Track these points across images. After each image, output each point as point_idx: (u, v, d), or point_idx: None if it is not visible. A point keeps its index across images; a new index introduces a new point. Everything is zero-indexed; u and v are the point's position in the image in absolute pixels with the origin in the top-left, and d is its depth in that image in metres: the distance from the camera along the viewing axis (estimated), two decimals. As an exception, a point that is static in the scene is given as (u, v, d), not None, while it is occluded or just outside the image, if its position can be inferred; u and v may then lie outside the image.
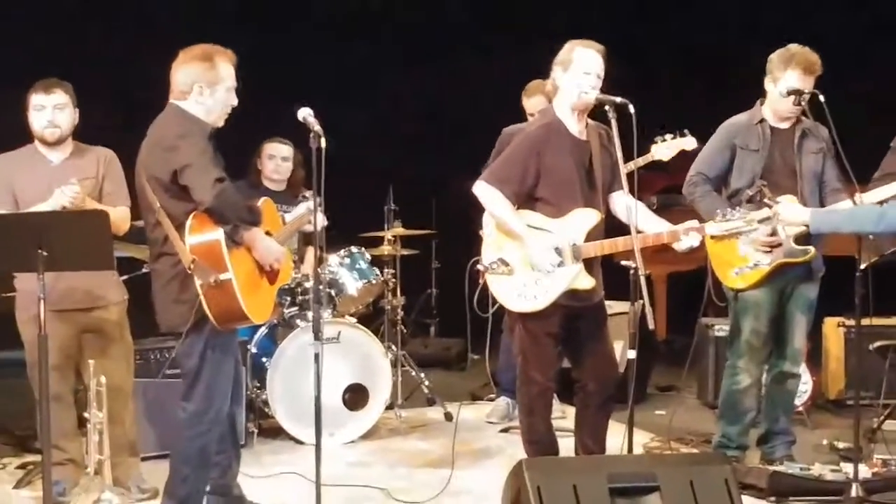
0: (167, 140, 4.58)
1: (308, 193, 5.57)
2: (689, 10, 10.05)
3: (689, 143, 6.18)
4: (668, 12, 10.19)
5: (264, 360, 6.51)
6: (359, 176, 8.67)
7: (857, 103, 8.32)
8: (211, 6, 8.60)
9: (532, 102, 6.51)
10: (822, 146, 5.60)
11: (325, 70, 9.46)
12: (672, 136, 6.30)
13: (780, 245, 5.52)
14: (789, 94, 5.48)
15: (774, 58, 5.58)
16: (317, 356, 4.50)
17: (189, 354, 4.68)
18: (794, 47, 5.56)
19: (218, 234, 4.51)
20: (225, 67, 4.70)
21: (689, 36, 10.03)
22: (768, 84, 5.60)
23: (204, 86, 4.65)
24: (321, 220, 4.81)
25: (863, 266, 5.37)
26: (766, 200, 5.35)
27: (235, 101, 4.75)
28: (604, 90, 5.05)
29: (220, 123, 4.75)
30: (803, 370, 6.29)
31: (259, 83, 5.37)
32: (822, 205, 5.58)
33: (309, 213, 5.18)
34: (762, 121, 5.64)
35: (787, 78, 5.51)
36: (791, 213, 5.21)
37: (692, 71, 10.21)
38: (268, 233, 4.85)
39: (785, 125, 5.63)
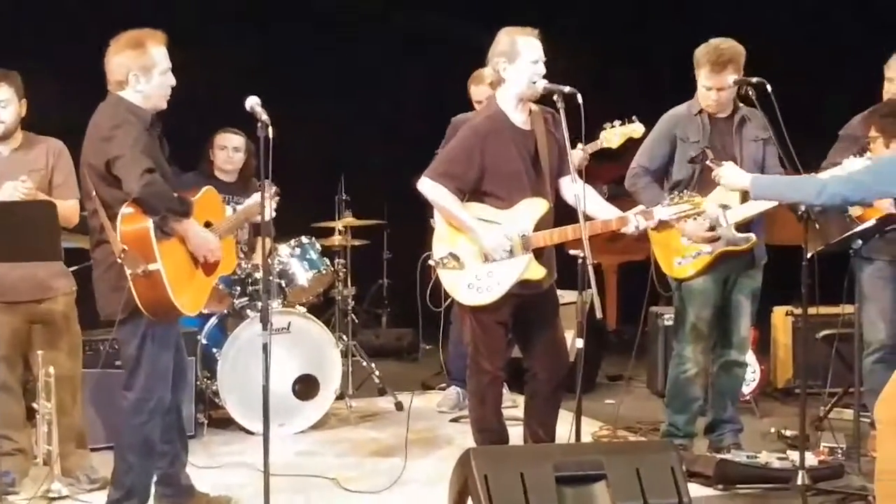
0: (102, 130, 4.59)
1: (256, 195, 5.55)
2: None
3: (637, 129, 6.20)
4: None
5: (214, 350, 6.48)
6: (310, 166, 8.67)
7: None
8: None
9: (480, 90, 6.52)
10: (761, 134, 5.64)
11: (276, 60, 9.41)
12: (621, 122, 6.33)
13: (718, 239, 5.56)
14: (735, 83, 5.53)
15: (697, 53, 5.65)
16: (265, 346, 4.49)
17: (127, 343, 4.69)
18: (710, 43, 5.61)
19: (147, 223, 4.51)
20: (157, 50, 4.68)
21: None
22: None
23: (139, 73, 4.65)
24: (270, 211, 4.81)
25: (809, 255, 5.43)
26: (708, 163, 5.40)
27: (173, 82, 4.75)
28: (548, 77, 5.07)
29: (163, 105, 4.74)
30: (752, 359, 6.35)
31: (215, 73, 5.36)
32: None
33: (258, 203, 5.16)
34: (701, 111, 5.67)
35: (700, 76, 5.60)
36: (732, 177, 5.20)
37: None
38: (208, 223, 4.84)
39: (723, 114, 5.67)
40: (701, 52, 5.62)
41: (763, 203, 5.50)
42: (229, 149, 6.91)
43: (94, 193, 4.60)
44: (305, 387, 6.52)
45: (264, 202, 4.66)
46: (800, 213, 5.26)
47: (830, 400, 6.41)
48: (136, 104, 4.65)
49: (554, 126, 5.15)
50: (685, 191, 5.22)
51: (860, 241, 5.53)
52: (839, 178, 4.83)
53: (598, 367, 7.77)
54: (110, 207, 4.55)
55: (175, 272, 4.57)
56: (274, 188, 5.01)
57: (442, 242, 5.17)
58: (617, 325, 9.22)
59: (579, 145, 5.89)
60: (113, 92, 4.70)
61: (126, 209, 4.50)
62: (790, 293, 6.31)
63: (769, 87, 5.41)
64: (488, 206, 5.10)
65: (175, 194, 4.65)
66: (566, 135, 4.99)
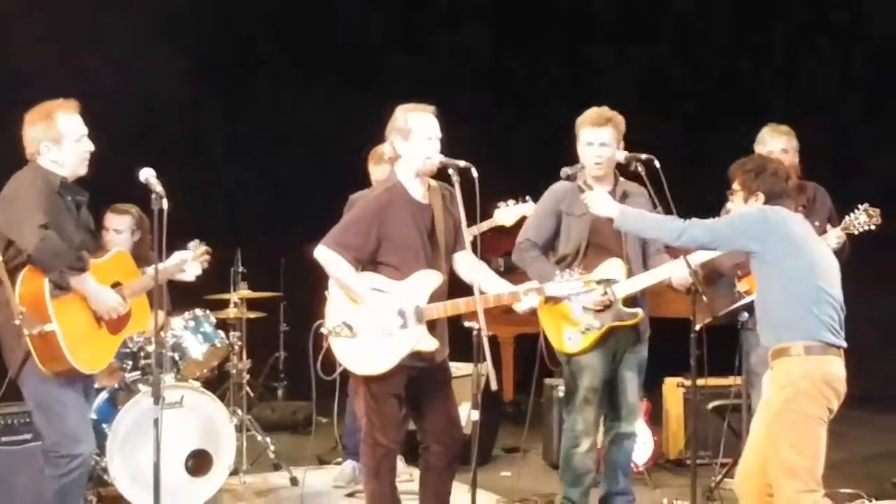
0: (8, 193, 4.69)
1: (191, 244, 5.52)
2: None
3: (529, 208, 6.29)
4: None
5: (104, 426, 6.34)
6: (204, 236, 8.60)
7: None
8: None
9: (379, 169, 6.53)
10: (646, 208, 5.76)
11: (174, 130, 9.38)
12: (514, 201, 6.42)
13: (611, 305, 5.64)
14: (627, 160, 5.65)
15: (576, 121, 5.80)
16: (157, 421, 4.44)
17: (32, 396, 4.74)
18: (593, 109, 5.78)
19: (42, 284, 4.56)
20: (66, 121, 4.76)
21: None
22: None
23: (49, 144, 4.77)
24: (195, 272, 4.81)
25: (697, 327, 5.55)
26: (580, 184, 5.49)
27: (91, 147, 4.85)
28: (444, 151, 5.14)
29: (82, 171, 4.84)
30: (645, 430, 6.41)
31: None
32: (646, 267, 5.74)
33: (175, 265, 5.21)
34: (585, 183, 5.77)
35: (581, 137, 5.73)
36: (600, 204, 5.36)
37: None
38: (117, 283, 4.83)
39: (606, 187, 5.77)
40: (582, 116, 5.77)
41: (649, 278, 5.64)
42: (111, 231, 6.58)
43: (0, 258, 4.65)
44: (198, 462, 6.40)
45: (157, 274, 4.65)
46: (688, 286, 5.39)
47: (722, 470, 6.50)
48: (51, 170, 4.74)
49: (451, 202, 5.21)
50: (574, 269, 5.29)
51: (746, 314, 5.68)
52: (700, 224, 5.03)
53: (494, 439, 7.78)
54: (13, 270, 4.61)
55: (73, 330, 4.61)
56: (204, 247, 5.03)
57: (336, 311, 5.17)
58: (514, 397, 9.25)
59: (473, 228, 5.95)
60: (32, 161, 4.80)
61: (25, 271, 4.54)
62: (680, 364, 6.41)
63: (657, 163, 5.55)
64: (383, 277, 5.12)
65: (73, 251, 4.67)
66: (461, 210, 5.06)
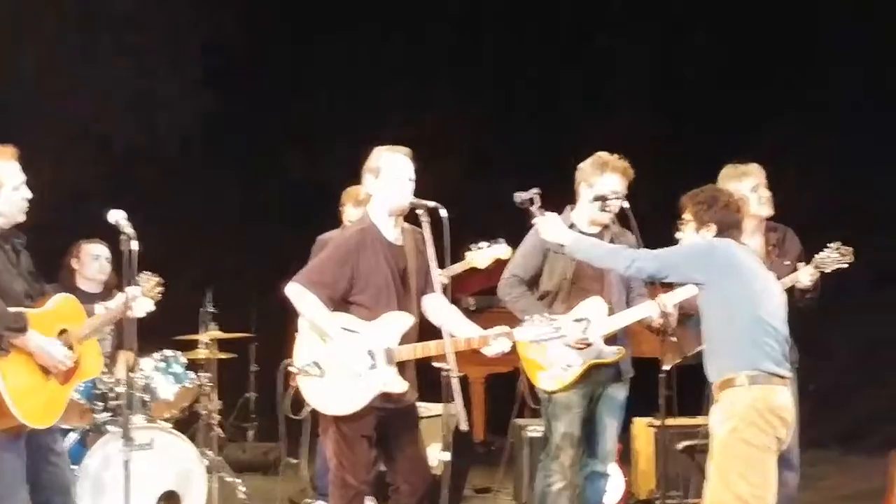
0: None
1: (142, 277, 5.50)
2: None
3: (503, 251, 6.31)
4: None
5: (74, 467, 6.30)
6: (175, 277, 8.59)
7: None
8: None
9: (353, 211, 6.56)
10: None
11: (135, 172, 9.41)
12: (487, 244, 6.43)
13: (591, 345, 5.66)
14: (595, 199, 5.68)
15: (586, 165, 5.78)
16: (126, 463, 4.42)
17: None
18: (605, 154, 5.78)
19: None
20: (3, 168, 4.66)
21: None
22: (582, 190, 5.80)
23: None
24: (146, 307, 4.77)
25: (666, 367, 5.58)
26: (533, 209, 5.47)
27: (28, 195, 4.73)
28: (417, 192, 5.17)
29: (19, 219, 4.75)
30: (615, 470, 6.42)
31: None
32: (629, 307, 5.76)
33: (131, 298, 5.16)
34: (571, 226, 5.80)
35: (605, 181, 5.69)
36: (552, 231, 5.39)
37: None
38: (63, 331, 4.78)
39: (594, 230, 5.81)
40: (599, 163, 5.73)
41: (628, 316, 5.65)
42: (102, 258, 6.81)
43: None
44: (169, 504, 6.39)
45: (126, 311, 4.63)
46: (658, 327, 5.42)
47: (691, 511, 6.52)
48: None
49: (423, 245, 5.23)
50: (545, 314, 5.30)
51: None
52: (649, 254, 5.10)
53: (465, 480, 7.76)
54: None
55: (19, 386, 4.51)
56: (157, 279, 4.98)
57: (305, 350, 5.17)
58: (485, 437, 9.25)
59: (441, 272, 5.96)
60: None
61: None
62: (650, 404, 6.42)
63: (626, 205, 5.59)
64: (354, 317, 5.13)
65: (9, 314, 4.58)
66: (431, 252, 5.08)
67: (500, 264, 6.17)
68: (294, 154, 10.04)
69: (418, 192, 5.15)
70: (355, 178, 5.46)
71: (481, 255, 6.39)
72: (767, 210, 6.01)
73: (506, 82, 10.83)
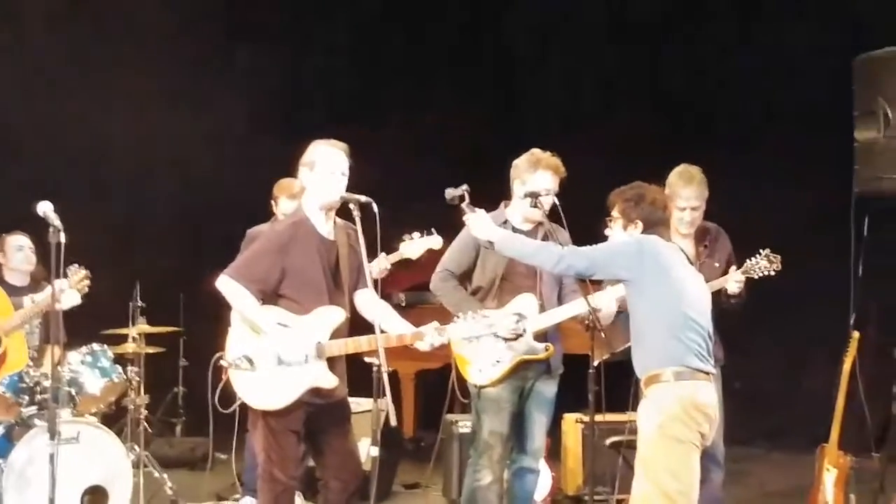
0: None
1: (70, 269, 5.44)
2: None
3: (435, 241, 6.33)
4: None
5: (0, 461, 6.23)
6: (103, 270, 8.53)
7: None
8: None
9: (287, 204, 6.55)
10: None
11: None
12: (420, 234, 6.45)
13: (522, 335, 5.69)
14: (527, 196, 5.71)
15: (520, 162, 5.81)
16: (52, 457, 4.37)
17: None
18: (538, 152, 5.81)
19: None
20: None
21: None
22: (516, 187, 5.82)
23: None
24: (72, 300, 4.72)
25: (595, 363, 5.62)
26: (463, 205, 5.49)
27: None
28: (349, 187, 5.17)
29: None
30: (543, 466, 6.46)
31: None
32: (560, 305, 5.80)
33: (58, 291, 5.10)
34: (505, 222, 5.83)
35: (537, 179, 5.72)
36: (480, 228, 5.42)
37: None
38: None
39: (527, 227, 5.85)
40: (532, 160, 5.77)
41: (560, 313, 5.69)
42: (26, 248, 6.76)
43: None
44: (94, 499, 6.32)
45: (54, 304, 4.59)
46: (586, 322, 5.46)
47: (619, 506, 6.57)
48: None
49: (355, 241, 5.22)
50: (478, 310, 5.33)
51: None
52: (577, 251, 5.15)
53: (394, 475, 7.77)
54: None
55: None
56: (84, 271, 4.93)
57: (236, 343, 5.14)
58: (415, 433, 9.25)
59: (382, 255, 5.97)
60: None
61: None
62: (579, 400, 6.48)
63: (557, 202, 5.63)
64: (284, 311, 5.11)
65: None
66: (363, 247, 5.08)
67: (432, 257, 6.19)
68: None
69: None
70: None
71: (413, 245, 6.42)
72: (686, 229, 6.05)
73: (506, 82, 10.86)
